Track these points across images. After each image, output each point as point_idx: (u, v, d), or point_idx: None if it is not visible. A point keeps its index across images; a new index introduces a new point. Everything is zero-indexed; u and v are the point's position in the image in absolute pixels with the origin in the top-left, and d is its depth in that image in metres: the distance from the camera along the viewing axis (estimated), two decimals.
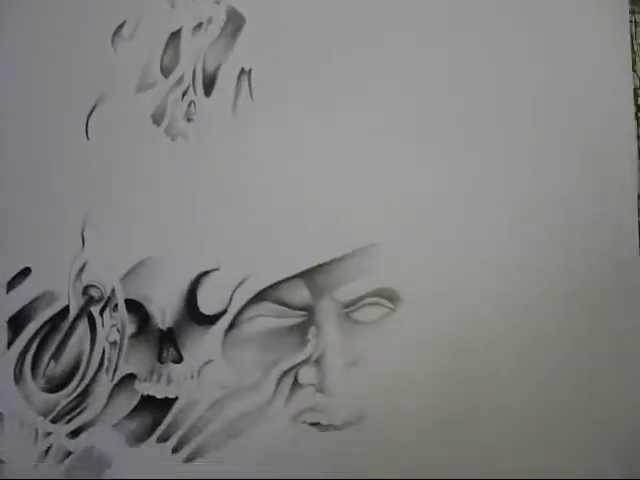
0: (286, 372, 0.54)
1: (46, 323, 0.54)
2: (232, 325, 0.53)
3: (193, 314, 0.54)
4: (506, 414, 0.53)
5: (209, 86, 0.54)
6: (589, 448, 0.54)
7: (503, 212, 0.54)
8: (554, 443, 0.53)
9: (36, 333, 0.54)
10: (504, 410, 0.53)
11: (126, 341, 0.54)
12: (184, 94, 0.54)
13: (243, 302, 0.53)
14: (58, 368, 0.54)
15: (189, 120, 0.54)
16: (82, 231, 0.54)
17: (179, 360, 0.54)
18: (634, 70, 0.56)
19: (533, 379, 0.53)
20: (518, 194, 0.54)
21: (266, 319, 0.54)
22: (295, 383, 0.54)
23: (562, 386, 0.53)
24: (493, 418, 0.53)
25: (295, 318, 0.54)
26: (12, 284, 0.53)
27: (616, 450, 0.53)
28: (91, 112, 0.54)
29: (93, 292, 0.54)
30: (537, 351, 0.53)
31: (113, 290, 0.54)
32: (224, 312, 0.54)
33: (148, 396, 0.54)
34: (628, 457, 0.53)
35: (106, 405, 0.54)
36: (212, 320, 0.53)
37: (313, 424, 0.54)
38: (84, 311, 0.54)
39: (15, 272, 0.53)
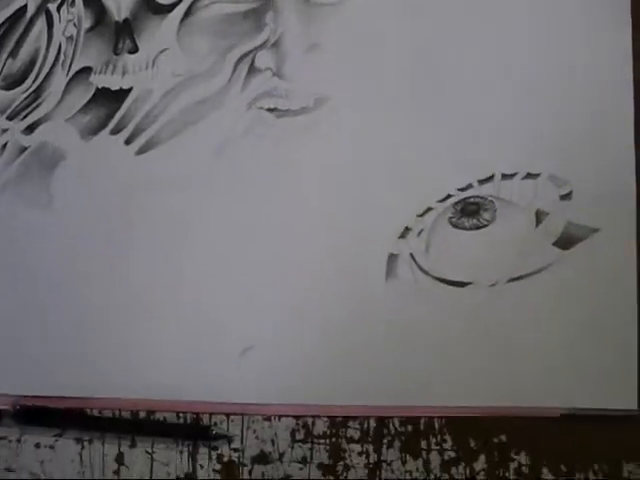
0: (242, 57, 0.51)
1: (3, 24, 0.53)
2: (188, 13, 0.52)
3: (149, 4, 0.52)
4: None
5: None
6: None
7: None
8: None
9: None
10: None
11: (82, 35, 0.53)
12: None
13: None
14: (15, 65, 0.53)
15: None
16: None
17: (134, 50, 0.52)
18: None
19: None
20: None
21: (221, 5, 0.51)
22: (252, 68, 0.51)
23: None
24: None
25: (251, 3, 0.51)
26: None
27: None
28: None
29: None
30: None
31: None
32: (180, 0, 0.51)
33: (103, 88, 0.52)
34: None
35: (61, 100, 0.52)
36: (168, 9, 0.52)
37: (270, 110, 0.51)
38: (42, 8, 0.53)
39: None
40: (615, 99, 0.49)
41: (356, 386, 0.48)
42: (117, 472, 0.49)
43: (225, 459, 0.49)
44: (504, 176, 0.49)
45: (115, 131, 0.51)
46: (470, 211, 0.49)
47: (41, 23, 0.53)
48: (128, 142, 0.51)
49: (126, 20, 0.52)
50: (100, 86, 0.52)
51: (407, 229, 0.50)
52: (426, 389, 0.48)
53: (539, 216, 0.49)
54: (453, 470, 0.48)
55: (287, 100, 0.50)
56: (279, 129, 0.50)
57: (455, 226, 0.49)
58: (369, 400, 0.48)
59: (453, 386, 0.48)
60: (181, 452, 0.49)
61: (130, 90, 0.51)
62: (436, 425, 0.48)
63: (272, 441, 0.48)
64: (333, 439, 0.48)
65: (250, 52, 0.51)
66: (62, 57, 0.52)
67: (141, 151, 0.51)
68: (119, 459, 0.49)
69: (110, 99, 0.51)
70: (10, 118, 0.52)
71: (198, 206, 0.50)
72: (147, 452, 0.49)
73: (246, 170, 0.50)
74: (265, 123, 0.50)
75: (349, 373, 0.48)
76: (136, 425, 0.49)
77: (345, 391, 0.48)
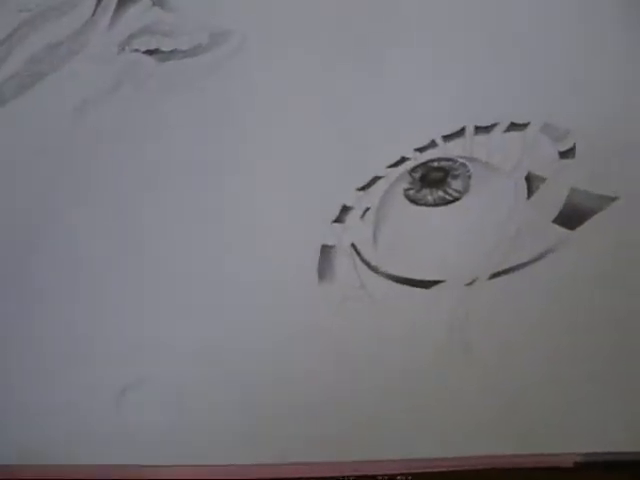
0: None
1: None
2: None
3: None
4: None
5: None
6: None
7: None
8: None
9: None
10: None
11: None
12: None
13: None
14: None
15: None
16: None
17: None
18: None
19: None
20: None
21: None
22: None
23: None
24: None
25: None
26: None
27: None
28: None
29: None
30: None
31: None
32: None
33: None
34: None
35: None
36: None
37: (149, 52, 0.43)
38: None
39: None
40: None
41: (289, 437, 0.38)
42: None
43: None
44: (479, 129, 0.41)
45: None
46: (434, 179, 0.41)
47: None
48: None
49: None
50: None
51: (345, 209, 0.40)
52: (385, 436, 0.38)
53: (531, 182, 0.40)
54: None
55: (173, 38, 0.43)
56: (162, 77, 0.43)
57: (414, 201, 0.40)
58: (307, 455, 0.38)
59: (423, 430, 0.38)
60: None
61: None
62: None
63: None
64: None
65: None
66: None
67: None
68: None
69: None
70: None
71: (53, 188, 0.42)
72: None
73: (118, 135, 0.42)
74: (143, 70, 0.43)
75: (278, 419, 0.38)
76: None
77: (274, 444, 0.38)
